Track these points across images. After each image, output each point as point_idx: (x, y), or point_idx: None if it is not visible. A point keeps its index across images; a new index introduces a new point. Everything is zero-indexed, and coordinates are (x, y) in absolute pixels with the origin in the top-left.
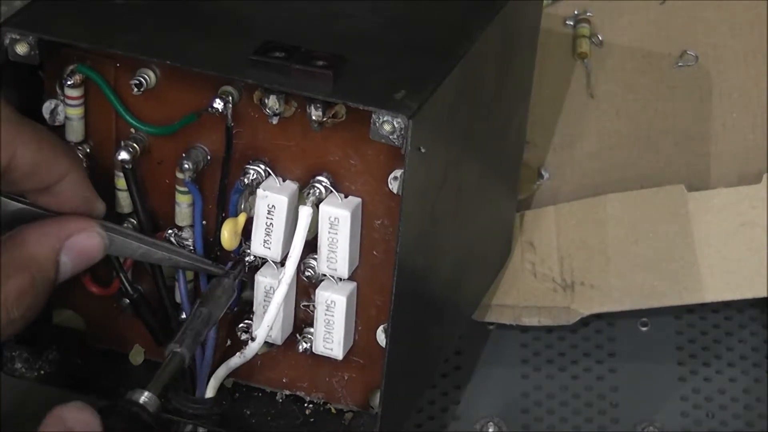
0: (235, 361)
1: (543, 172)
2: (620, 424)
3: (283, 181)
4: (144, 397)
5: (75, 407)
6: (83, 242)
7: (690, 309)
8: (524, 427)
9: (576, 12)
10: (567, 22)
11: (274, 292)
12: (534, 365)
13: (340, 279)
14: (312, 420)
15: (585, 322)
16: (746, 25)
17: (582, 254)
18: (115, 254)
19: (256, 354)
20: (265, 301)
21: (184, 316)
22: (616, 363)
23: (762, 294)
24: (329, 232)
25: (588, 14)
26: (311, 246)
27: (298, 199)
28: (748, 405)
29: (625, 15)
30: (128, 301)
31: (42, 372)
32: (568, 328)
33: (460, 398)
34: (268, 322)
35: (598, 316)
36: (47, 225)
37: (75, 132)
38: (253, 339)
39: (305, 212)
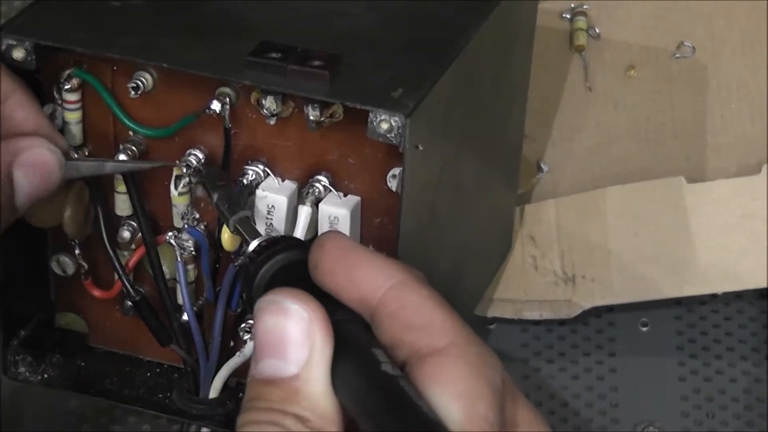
0: (236, 360)
1: (542, 166)
2: (620, 424)
3: (282, 181)
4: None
5: None
6: (36, 157)
7: (690, 309)
8: None
9: (572, 5)
10: (564, 15)
11: None
12: (534, 365)
13: None
14: None
15: (585, 321)
16: (743, 16)
17: (582, 247)
18: (68, 177)
19: None
20: None
21: (185, 317)
22: (616, 363)
23: (762, 285)
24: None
25: (584, 7)
26: None
27: (298, 199)
28: (748, 405)
29: (622, 7)
30: (130, 303)
31: (45, 375)
32: (568, 328)
33: None
34: None
35: (598, 316)
36: None
37: (73, 136)
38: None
39: (304, 211)
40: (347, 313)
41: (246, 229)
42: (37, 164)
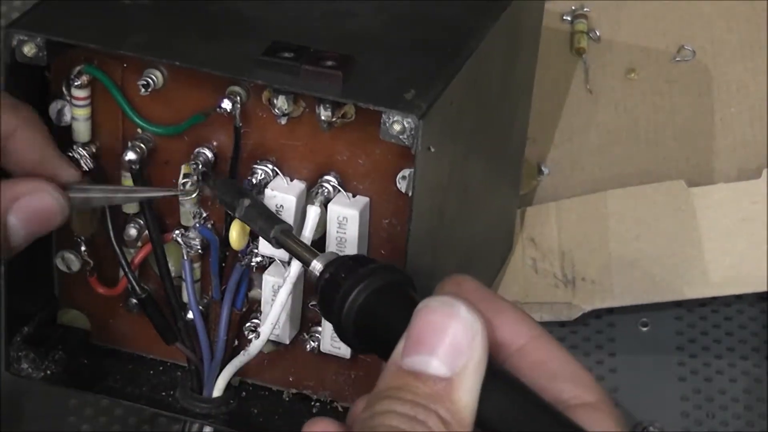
0: (240, 359)
1: (543, 168)
2: None
3: (291, 180)
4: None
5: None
6: (34, 204)
7: (690, 309)
8: None
9: (573, 8)
10: (564, 18)
11: None
12: None
13: None
14: None
15: (585, 322)
16: (743, 19)
17: (583, 250)
18: (79, 210)
19: (264, 353)
20: (272, 300)
21: (190, 315)
22: (616, 363)
23: (762, 289)
24: (337, 232)
25: (585, 10)
26: (319, 245)
27: (306, 199)
28: (748, 405)
29: (623, 10)
30: (135, 300)
31: (48, 372)
32: (567, 328)
33: None
34: (272, 320)
35: (598, 317)
36: None
37: (82, 132)
38: (257, 337)
39: (313, 211)
40: None
41: (292, 240)
42: (36, 210)
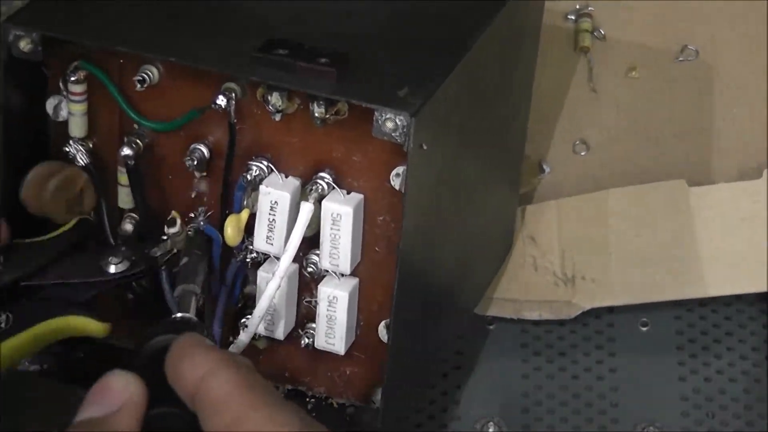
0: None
1: (544, 166)
2: (620, 424)
3: (286, 177)
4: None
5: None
6: None
7: (690, 309)
8: (524, 427)
9: (577, 6)
10: (568, 17)
11: None
12: (534, 365)
13: (342, 275)
14: (313, 414)
15: (585, 322)
16: (746, 19)
17: (583, 248)
18: None
19: (259, 348)
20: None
21: None
22: (616, 363)
23: (762, 288)
24: (331, 228)
25: (589, 9)
26: (313, 242)
27: (301, 196)
28: (748, 405)
29: (626, 9)
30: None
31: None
32: (567, 328)
33: (460, 398)
34: (259, 312)
35: (598, 317)
36: None
37: (78, 128)
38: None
39: (306, 208)
40: (178, 408)
41: (185, 301)
42: None
